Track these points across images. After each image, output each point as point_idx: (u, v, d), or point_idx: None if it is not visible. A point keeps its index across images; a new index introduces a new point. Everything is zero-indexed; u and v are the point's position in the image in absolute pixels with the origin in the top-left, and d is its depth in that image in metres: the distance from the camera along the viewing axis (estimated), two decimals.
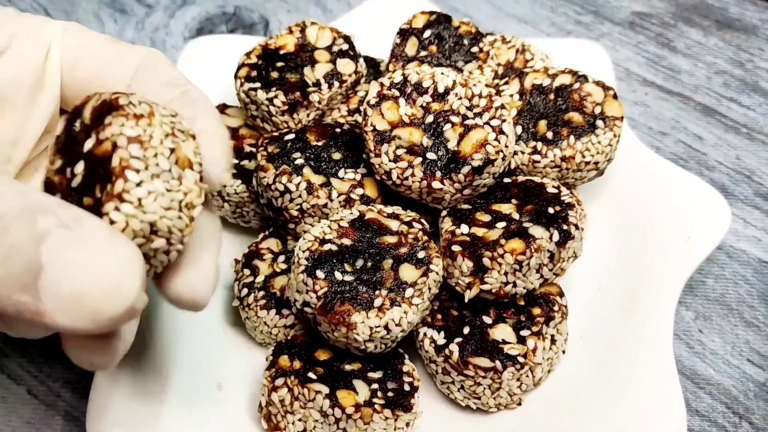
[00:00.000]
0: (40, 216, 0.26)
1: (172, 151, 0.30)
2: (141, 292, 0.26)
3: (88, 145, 0.30)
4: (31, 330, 0.30)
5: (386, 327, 0.42)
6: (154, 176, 0.29)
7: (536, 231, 0.45)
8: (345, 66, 0.53)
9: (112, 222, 0.28)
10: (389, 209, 0.48)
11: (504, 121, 0.47)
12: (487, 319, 0.46)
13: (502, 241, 0.44)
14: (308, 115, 0.52)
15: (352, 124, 0.53)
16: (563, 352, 0.48)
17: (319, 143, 0.50)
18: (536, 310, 0.46)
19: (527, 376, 0.45)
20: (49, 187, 0.32)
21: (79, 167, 0.30)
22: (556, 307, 0.47)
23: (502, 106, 0.47)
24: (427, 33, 0.54)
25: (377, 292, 0.43)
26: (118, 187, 0.28)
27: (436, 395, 0.48)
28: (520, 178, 0.49)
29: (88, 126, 0.31)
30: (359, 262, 0.44)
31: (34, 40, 0.35)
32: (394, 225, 0.46)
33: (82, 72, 0.36)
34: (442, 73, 0.48)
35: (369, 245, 0.45)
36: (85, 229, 0.26)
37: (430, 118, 0.47)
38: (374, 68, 0.58)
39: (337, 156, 0.50)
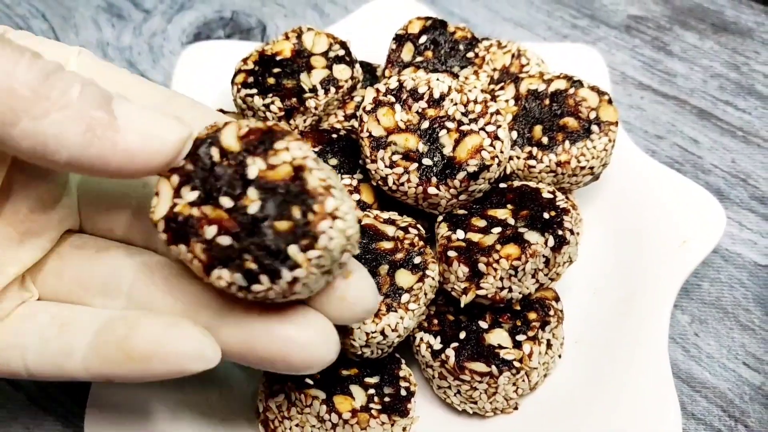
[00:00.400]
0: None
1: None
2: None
3: (254, 171, 0.29)
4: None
5: (382, 332, 0.43)
6: (342, 191, 0.31)
7: (531, 236, 0.45)
8: (341, 72, 0.53)
9: (330, 239, 0.29)
10: (385, 215, 0.48)
11: (499, 126, 0.47)
12: (483, 324, 0.46)
13: (498, 247, 0.44)
14: (305, 121, 0.52)
15: (348, 129, 0.53)
16: (559, 356, 0.48)
17: (316, 149, 0.50)
18: (532, 315, 0.46)
19: (523, 380, 0.45)
20: (195, 222, 0.29)
21: (253, 194, 0.29)
22: (551, 312, 0.47)
23: (498, 112, 0.47)
24: (423, 38, 0.54)
25: None
26: (329, 206, 0.29)
27: (433, 400, 0.48)
28: (516, 183, 0.49)
29: (239, 153, 0.30)
30: None
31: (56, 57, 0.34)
32: (390, 230, 0.47)
33: None
34: (438, 79, 0.48)
35: (365, 251, 0.45)
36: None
37: (425, 124, 0.47)
38: (371, 73, 0.58)
39: (333, 162, 0.50)
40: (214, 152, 0.30)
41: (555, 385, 0.48)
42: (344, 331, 0.42)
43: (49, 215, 0.34)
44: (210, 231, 0.29)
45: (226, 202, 0.29)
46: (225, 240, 0.29)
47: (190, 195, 0.30)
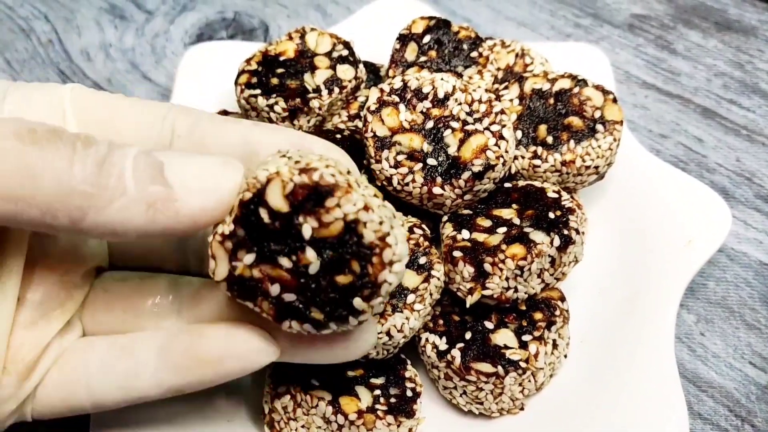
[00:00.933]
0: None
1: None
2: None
3: (308, 232, 0.30)
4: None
5: (388, 333, 0.43)
6: (396, 226, 0.32)
7: (537, 236, 0.45)
8: (345, 72, 0.53)
9: (389, 284, 0.31)
10: None
11: (504, 126, 0.47)
12: (489, 325, 0.46)
13: (503, 247, 0.44)
14: (309, 121, 0.52)
15: (352, 129, 0.53)
16: (565, 356, 0.48)
17: None
18: (538, 315, 0.46)
19: (529, 381, 0.45)
20: (258, 283, 0.31)
21: (311, 254, 0.30)
22: (557, 312, 0.47)
23: (502, 111, 0.47)
24: (427, 38, 0.54)
25: None
26: (386, 257, 0.30)
27: (438, 400, 0.48)
28: (521, 183, 0.49)
29: (289, 213, 0.30)
30: None
31: (48, 101, 0.34)
32: None
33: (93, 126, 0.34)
34: (442, 79, 0.48)
35: None
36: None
37: (430, 124, 0.47)
38: (374, 73, 0.58)
39: None
40: (264, 214, 0.30)
41: (561, 385, 0.47)
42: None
43: (80, 254, 0.35)
44: (274, 290, 0.31)
45: (285, 262, 0.30)
46: (290, 296, 0.31)
47: (247, 258, 0.31)
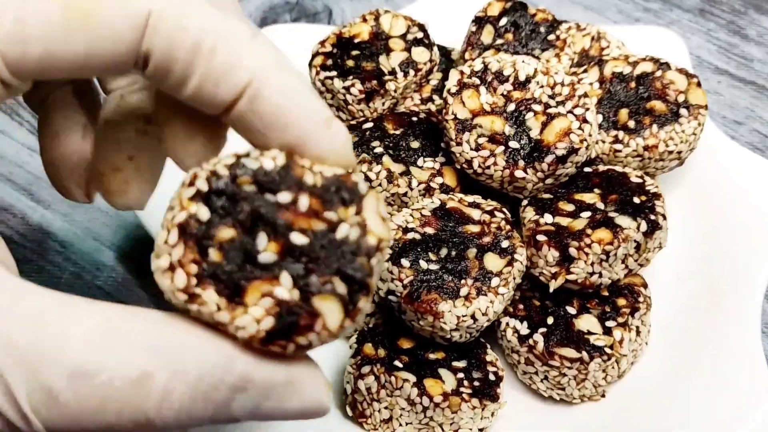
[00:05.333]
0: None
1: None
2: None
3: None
4: None
5: (473, 316, 0.43)
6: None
7: (623, 221, 0.45)
8: (420, 54, 0.53)
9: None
10: (470, 198, 0.48)
11: (587, 109, 0.47)
12: (571, 310, 0.46)
13: (589, 231, 0.44)
14: (383, 104, 0.53)
15: (426, 112, 0.53)
16: (646, 343, 0.47)
17: (397, 132, 0.50)
18: (621, 301, 0.46)
19: (613, 367, 0.45)
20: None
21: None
22: (641, 299, 0.46)
23: (585, 95, 0.47)
24: (503, 21, 0.54)
25: (463, 281, 0.43)
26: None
27: (517, 385, 0.48)
28: (601, 168, 0.49)
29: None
30: (443, 251, 0.45)
31: None
32: (475, 214, 0.47)
33: None
34: (523, 61, 0.48)
35: (452, 234, 0.45)
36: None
37: (511, 107, 0.47)
38: (445, 57, 0.58)
39: (415, 144, 0.50)
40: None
41: (642, 372, 0.47)
42: (434, 317, 0.42)
43: None
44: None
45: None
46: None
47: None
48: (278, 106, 0.25)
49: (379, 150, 0.49)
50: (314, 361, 0.26)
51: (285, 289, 0.24)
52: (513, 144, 0.46)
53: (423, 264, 0.44)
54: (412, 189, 0.48)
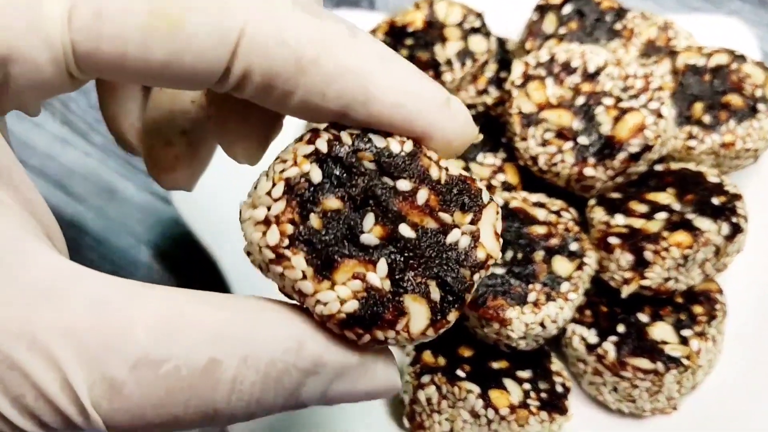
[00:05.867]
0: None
1: None
2: None
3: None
4: None
5: (542, 324, 0.41)
6: None
7: (703, 223, 0.42)
8: (477, 44, 0.51)
9: None
10: (534, 197, 0.46)
11: (662, 103, 0.44)
12: (643, 317, 0.43)
13: (665, 234, 0.42)
14: None
15: (483, 105, 0.51)
16: (720, 352, 0.45)
17: None
18: (697, 309, 0.43)
19: (688, 379, 0.42)
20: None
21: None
22: (717, 306, 0.44)
23: (660, 88, 0.44)
24: (567, 9, 0.51)
25: (531, 286, 0.41)
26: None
27: (581, 396, 0.45)
28: (674, 166, 0.46)
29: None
30: (509, 254, 0.42)
31: None
32: (540, 214, 0.44)
33: None
34: (592, 52, 0.46)
35: (517, 235, 0.43)
36: None
37: (580, 100, 0.45)
38: (501, 47, 0.55)
39: (475, 140, 0.47)
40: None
41: (716, 383, 0.44)
42: (500, 323, 0.40)
43: None
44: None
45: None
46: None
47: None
48: (394, 104, 0.23)
49: None
50: (389, 348, 0.24)
51: (379, 276, 0.23)
52: (582, 140, 0.44)
53: None
54: None
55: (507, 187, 0.47)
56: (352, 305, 0.22)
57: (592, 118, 0.44)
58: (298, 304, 0.23)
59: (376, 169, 0.23)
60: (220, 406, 0.21)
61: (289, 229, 0.22)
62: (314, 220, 0.22)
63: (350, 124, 0.24)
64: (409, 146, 0.24)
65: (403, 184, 0.23)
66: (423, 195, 0.24)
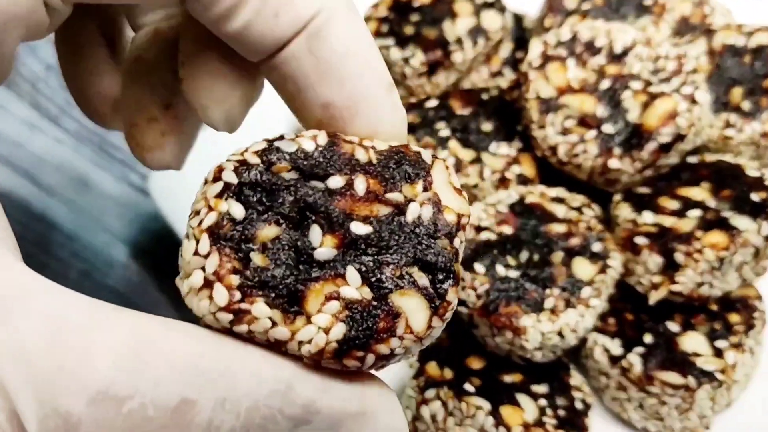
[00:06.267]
0: None
1: None
2: None
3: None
4: None
5: (560, 333, 0.41)
6: None
7: (741, 222, 0.42)
8: (491, 20, 0.51)
9: None
10: (553, 191, 0.46)
11: (697, 88, 0.44)
12: (673, 326, 0.44)
13: (699, 234, 0.42)
14: (447, 79, 0.51)
15: (497, 89, 0.51)
16: (758, 366, 0.45)
17: (466, 111, 0.49)
18: (734, 317, 0.44)
19: (722, 395, 0.43)
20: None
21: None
22: (756, 314, 0.44)
23: (695, 71, 0.45)
24: None
25: (548, 291, 0.41)
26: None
27: (603, 414, 0.46)
28: (709, 158, 0.47)
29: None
30: (524, 255, 0.43)
31: None
32: (560, 211, 0.45)
33: None
34: (619, 30, 0.46)
35: (533, 234, 0.44)
36: None
37: (605, 84, 0.45)
38: (517, 24, 0.56)
39: (486, 127, 0.48)
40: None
41: (753, 400, 0.45)
42: (514, 332, 0.41)
43: None
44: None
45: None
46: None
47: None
48: (341, 53, 0.23)
49: (444, 133, 0.47)
50: (387, 384, 0.24)
51: (353, 287, 0.22)
52: (607, 128, 0.44)
53: (500, 270, 0.42)
54: (483, 179, 0.46)
55: (523, 180, 0.47)
56: (339, 330, 0.21)
57: (618, 103, 0.45)
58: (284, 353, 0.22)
59: (299, 177, 0.23)
60: None
61: (235, 280, 0.21)
62: (257, 259, 0.22)
63: (276, 66, 0.24)
64: (323, 138, 0.24)
65: (334, 181, 0.23)
66: (360, 184, 0.23)
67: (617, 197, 0.46)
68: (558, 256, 0.43)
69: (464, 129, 0.48)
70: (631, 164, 0.44)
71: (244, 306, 0.21)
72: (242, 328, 0.21)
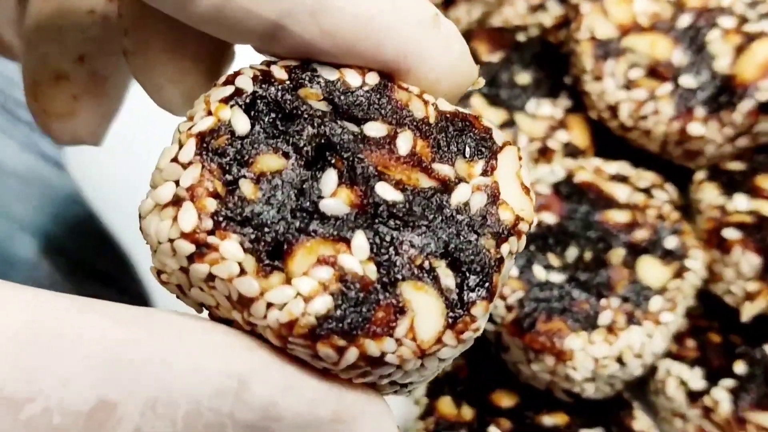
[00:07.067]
0: None
1: None
2: None
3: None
4: None
5: (620, 359, 0.40)
6: None
7: None
8: None
9: None
10: (612, 167, 0.46)
11: None
12: None
13: None
14: (470, 13, 0.50)
15: (538, 27, 0.51)
16: None
17: (494, 58, 0.49)
18: None
19: None
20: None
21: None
22: None
23: None
24: None
25: (604, 302, 0.41)
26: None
27: None
28: None
29: None
30: (571, 253, 0.43)
31: None
32: (622, 193, 0.44)
33: None
34: None
35: (585, 225, 0.43)
36: None
37: (684, 20, 0.45)
38: None
39: (523, 79, 0.48)
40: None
41: None
42: (557, 357, 0.40)
43: None
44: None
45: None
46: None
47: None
48: (357, 16, 0.23)
49: None
50: (374, 390, 0.23)
51: (356, 259, 0.22)
52: (686, 81, 0.44)
53: (539, 272, 0.42)
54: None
55: (571, 151, 0.47)
56: (323, 303, 0.21)
57: (702, 47, 0.45)
58: (245, 328, 0.22)
59: (330, 111, 0.23)
60: None
61: (211, 204, 0.21)
62: (247, 188, 0.22)
63: (286, 54, 0.24)
64: (373, 77, 0.24)
65: (374, 128, 0.23)
66: (405, 141, 0.23)
67: (700, 175, 0.46)
68: (618, 255, 0.42)
69: (492, 81, 0.48)
70: (718, 130, 0.44)
71: (212, 240, 0.21)
72: (202, 268, 0.21)
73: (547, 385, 0.42)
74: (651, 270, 0.42)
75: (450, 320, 0.22)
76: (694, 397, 0.43)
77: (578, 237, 0.43)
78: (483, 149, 0.24)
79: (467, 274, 0.22)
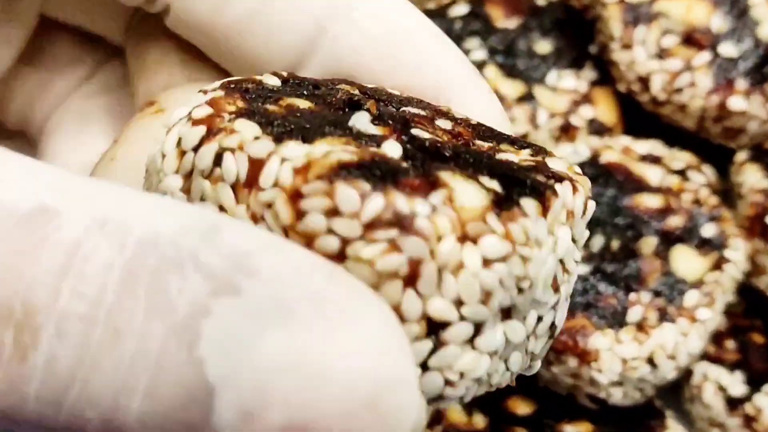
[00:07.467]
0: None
1: None
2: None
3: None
4: None
5: (651, 360, 0.41)
6: None
7: None
8: None
9: None
10: (643, 146, 0.46)
11: None
12: None
13: None
14: None
15: None
16: None
17: (511, 24, 0.49)
18: None
19: None
20: None
21: None
22: None
23: None
24: None
25: (633, 297, 0.41)
26: None
27: None
28: None
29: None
30: (596, 241, 0.43)
31: None
32: (654, 175, 0.45)
33: None
34: None
35: (612, 211, 0.44)
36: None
37: None
38: None
39: (543, 48, 0.48)
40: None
41: None
42: (580, 358, 0.41)
43: None
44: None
45: None
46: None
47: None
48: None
49: (479, 55, 0.47)
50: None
51: (389, 154, 0.22)
52: (726, 49, 0.44)
53: None
54: (537, 127, 0.46)
55: (597, 128, 0.47)
56: (346, 152, 0.21)
57: (744, 12, 0.45)
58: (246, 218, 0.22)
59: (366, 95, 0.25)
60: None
61: (229, 107, 0.23)
62: (272, 107, 0.23)
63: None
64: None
65: (412, 109, 0.25)
66: (445, 123, 0.25)
67: (742, 156, 0.47)
68: (649, 244, 0.43)
69: (508, 50, 0.48)
70: (762, 105, 0.44)
71: (227, 124, 0.22)
72: (210, 147, 0.22)
73: (568, 389, 0.42)
74: (686, 261, 0.42)
75: (497, 205, 0.21)
76: (733, 404, 0.43)
77: (605, 224, 0.43)
78: (533, 147, 0.25)
79: (513, 184, 0.22)
